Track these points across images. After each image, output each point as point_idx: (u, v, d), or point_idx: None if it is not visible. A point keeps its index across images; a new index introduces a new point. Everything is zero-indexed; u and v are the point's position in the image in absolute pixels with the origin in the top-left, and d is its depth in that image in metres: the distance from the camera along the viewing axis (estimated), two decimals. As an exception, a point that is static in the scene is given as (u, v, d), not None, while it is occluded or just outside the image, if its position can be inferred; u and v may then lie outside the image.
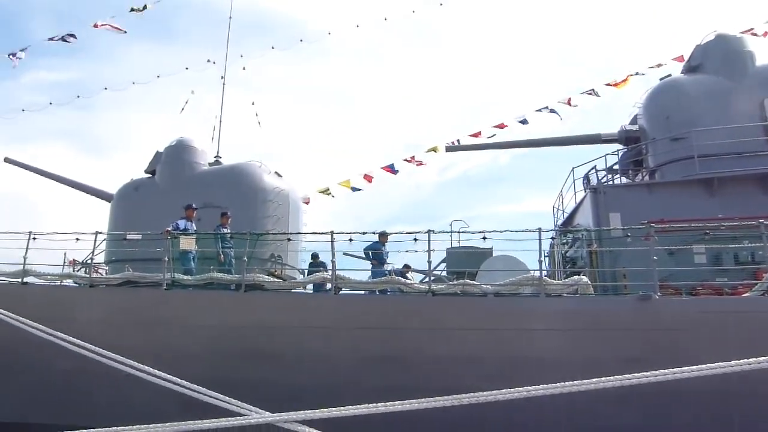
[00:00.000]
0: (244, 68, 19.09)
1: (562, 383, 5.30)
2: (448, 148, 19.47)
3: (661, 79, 15.48)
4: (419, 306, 9.89)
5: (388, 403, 5.97)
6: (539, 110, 19.14)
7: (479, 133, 20.26)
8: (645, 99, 15.32)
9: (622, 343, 8.83)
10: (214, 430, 6.57)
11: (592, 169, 14.96)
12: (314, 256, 12.77)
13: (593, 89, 18.14)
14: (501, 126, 20.05)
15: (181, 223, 11.64)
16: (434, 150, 21.60)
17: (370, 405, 6.04)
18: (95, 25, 18.09)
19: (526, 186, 69.17)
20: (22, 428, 6.31)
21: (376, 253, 11.69)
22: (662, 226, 10.16)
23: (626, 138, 16.02)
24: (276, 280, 11.12)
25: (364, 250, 11.83)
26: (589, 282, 9.91)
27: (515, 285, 9.82)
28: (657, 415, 8.50)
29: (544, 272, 9.93)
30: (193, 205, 12.12)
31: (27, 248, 11.02)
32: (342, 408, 6.10)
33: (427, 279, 10.50)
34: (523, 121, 20.01)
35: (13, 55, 17.94)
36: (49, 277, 11.43)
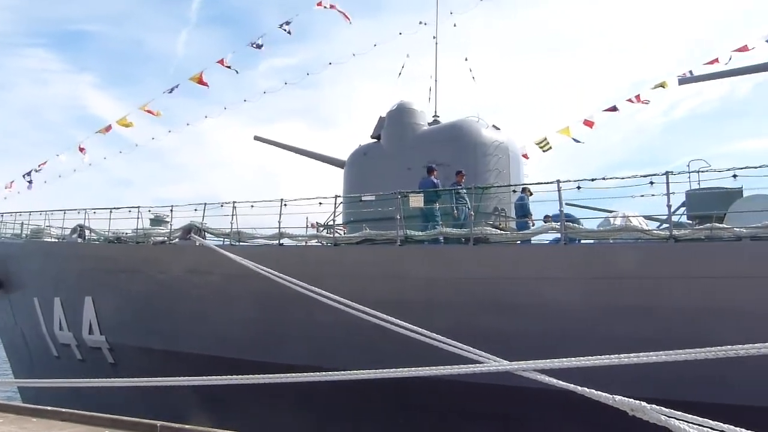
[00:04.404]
0: (454, 25, 19.01)
1: None
2: (681, 81, 17.39)
3: None
4: (660, 254, 9.13)
5: (631, 355, 5.64)
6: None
7: (716, 59, 17.83)
8: None
9: None
10: (454, 377, 6.87)
11: None
12: None
13: None
14: (743, 49, 17.38)
15: (429, 182, 12.30)
16: (662, 86, 19.55)
17: (611, 356, 5.78)
18: (318, 4, 19.45)
19: (771, 117, 59.26)
20: (280, 368, 7.31)
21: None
22: None
23: None
24: (503, 232, 11.11)
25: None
26: None
27: (778, 227, 8.54)
28: None
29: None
30: (434, 166, 12.75)
31: (281, 214, 12.38)
32: (581, 358, 5.91)
33: (666, 225, 9.63)
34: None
35: (254, 45, 20.17)
36: (299, 238, 12.79)
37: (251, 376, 7.13)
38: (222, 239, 13.49)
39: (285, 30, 19.84)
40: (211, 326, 12.78)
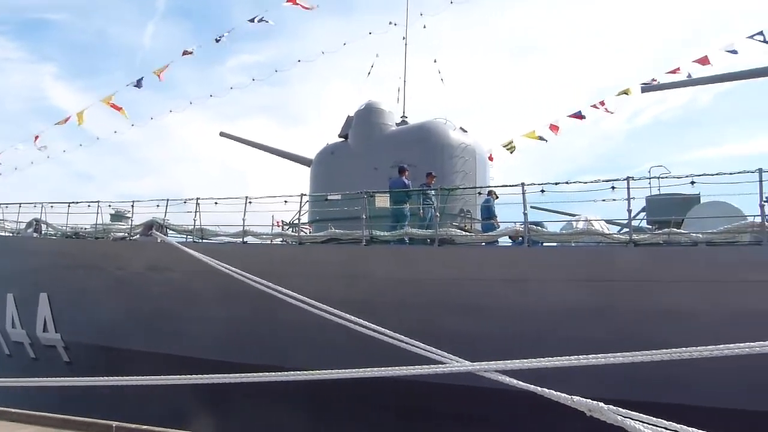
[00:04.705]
0: (424, 26, 19.07)
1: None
2: (644, 89, 17.74)
3: None
4: (620, 257, 9.33)
5: (590, 356, 5.73)
6: (751, 37, 16.67)
7: (677, 69, 18.31)
8: None
9: None
10: (417, 377, 6.87)
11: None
12: None
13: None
14: (703, 61, 17.87)
15: (400, 182, 12.42)
16: (626, 93, 19.94)
17: (571, 357, 5.85)
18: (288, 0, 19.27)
19: (729, 127, 61.50)
20: (242, 368, 7.20)
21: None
22: None
23: None
24: (467, 233, 11.18)
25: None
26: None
27: (732, 233, 8.81)
28: None
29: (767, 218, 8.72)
30: (405, 166, 12.89)
31: (245, 211, 12.20)
32: (542, 359, 5.97)
33: (626, 230, 9.84)
34: (732, 51, 17.64)
35: (218, 39, 19.91)
36: (264, 236, 12.64)
37: (213, 375, 6.99)
38: (185, 236, 13.25)
39: (263, 20, 19.57)
40: (171, 325, 12.53)
